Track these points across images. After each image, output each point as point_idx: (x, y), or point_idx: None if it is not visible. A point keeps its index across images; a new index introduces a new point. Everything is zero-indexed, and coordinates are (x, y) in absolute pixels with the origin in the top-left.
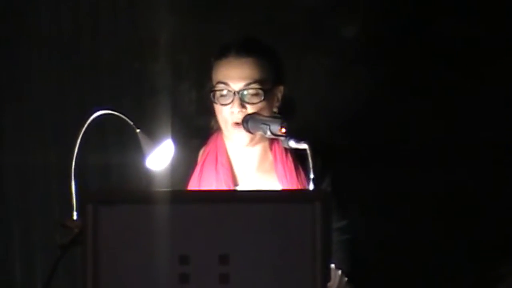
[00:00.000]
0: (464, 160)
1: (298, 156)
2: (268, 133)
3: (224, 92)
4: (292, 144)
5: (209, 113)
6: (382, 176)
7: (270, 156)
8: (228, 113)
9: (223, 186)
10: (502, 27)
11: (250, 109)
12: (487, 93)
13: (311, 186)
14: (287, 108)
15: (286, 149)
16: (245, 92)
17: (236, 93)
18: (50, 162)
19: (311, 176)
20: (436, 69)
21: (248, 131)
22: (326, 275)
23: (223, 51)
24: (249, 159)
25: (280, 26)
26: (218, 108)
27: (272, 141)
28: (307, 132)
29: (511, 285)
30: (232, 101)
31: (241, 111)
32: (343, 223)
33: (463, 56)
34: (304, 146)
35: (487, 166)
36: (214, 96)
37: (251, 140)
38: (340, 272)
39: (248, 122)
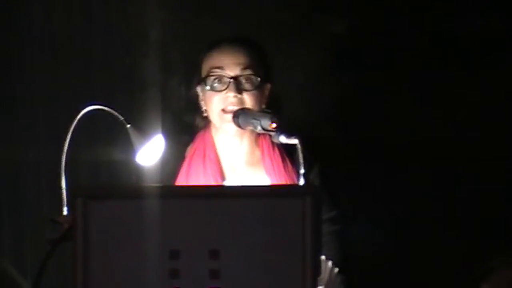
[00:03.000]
0: (455, 157)
1: (285, 149)
2: (259, 128)
3: (219, 78)
4: (283, 139)
5: (196, 111)
6: (370, 171)
7: (257, 150)
8: (221, 100)
9: (211, 181)
10: (494, 24)
11: (245, 95)
12: (477, 89)
13: (301, 181)
14: (274, 107)
15: (273, 142)
16: (241, 78)
17: (232, 79)
18: (41, 158)
19: (302, 171)
20: (427, 65)
21: (239, 126)
22: (316, 270)
23: (216, 43)
24: (237, 153)
25: (271, 22)
26: (210, 95)
27: (259, 135)
28: (296, 126)
29: (499, 281)
30: (227, 87)
31: (236, 96)
32: (332, 213)
33: (455, 52)
34: (294, 141)
35: (478, 163)
36: (207, 82)
37: (241, 129)
38: (330, 263)
39: (239, 117)
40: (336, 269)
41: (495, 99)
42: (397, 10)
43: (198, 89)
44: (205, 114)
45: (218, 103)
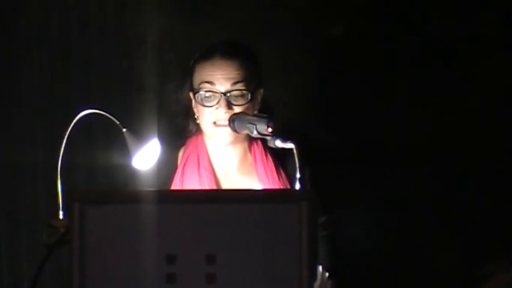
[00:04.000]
0: (454, 158)
1: (277, 155)
2: (255, 132)
3: (209, 93)
4: (279, 143)
5: (188, 116)
6: (368, 173)
7: (250, 157)
8: (212, 114)
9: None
10: (493, 26)
11: (236, 110)
12: (476, 89)
13: (297, 186)
14: (266, 111)
15: (265, 149)
16: (232, 94)
17: (222, 95)
18: (37, 161)
19: (298, 175)
20: (425, 68)
21: (235, 130)
22: (313, 275)
23: (207, 53)
24: (230, 161)
25: (268, 25)
26: (201, 109)
27: (251, 142)
28: (292, 128)
29: (496, 284)
30: (217, 103)
31: (227, 112)
32: (323, 218)
33: (453, 53)
34: (290, 145)
35: (475, 166)
36: (198, 97)
37: (234, 138)
38: (320, 267)
39: (234, 121)
40: (327, 274)
41: (494, 100)
42: (395, 12)
43: (191, 95)
44: (198, 121)
45: (209, 116)
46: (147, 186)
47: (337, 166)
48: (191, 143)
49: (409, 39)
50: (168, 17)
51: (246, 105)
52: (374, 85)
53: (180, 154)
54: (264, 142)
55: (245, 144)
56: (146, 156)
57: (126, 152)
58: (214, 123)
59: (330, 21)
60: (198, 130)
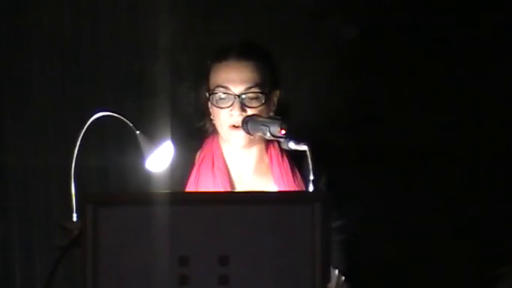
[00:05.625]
0: (462, 160)
1: (293, 158)
2: (268, 134)
3: (224, 95)
4: (292, 145)
5: (205, 116)
6: (381, 177)
7: (266, 158)
8: (227, 116)
9: (220, 190)
10: (497, 27)
11: (250, 112)
12: (486, 93)
13: (310, 187)
14: (283, 113)
15: (281, 151)
16: (246, 96)
17: (236, 97)
18: (50, 164)
19: (311, 177)
20: (436, 70)
21: (248, 132)
22: (326, 276)
23: (222, 55)
24: (245, 162)
25: (280, 27)
26: (216, 111)
27: (268, 143)
28: (305, 132)
29: (510, 285)
30: (232, 105)
31: (241, 114)
32: (338, 223)
33: (462, 56)
34: (304, 147)
35: (486, 166)
36: (213, 99)
37: (249, 142)
38: (337, 271)
39: (248, 123)
40: (343, 278)
41: (497, 101)
42: (407, 14)
43: (207, 95)
44: (214, 121)
45: (224, 119)
46: (161, 188)
47: (350, 169)
48: (207, 144)
49: (423, 42)
50: (180, 19)
51: (260, 107)
52: (387, 87)
53: (197, 155)
54: (280, 144)
55: (262, 146)
56: (159, 158)
57: (139, 154)
58: (230, 126)
59: (343, 23)
60: (215, 130)
